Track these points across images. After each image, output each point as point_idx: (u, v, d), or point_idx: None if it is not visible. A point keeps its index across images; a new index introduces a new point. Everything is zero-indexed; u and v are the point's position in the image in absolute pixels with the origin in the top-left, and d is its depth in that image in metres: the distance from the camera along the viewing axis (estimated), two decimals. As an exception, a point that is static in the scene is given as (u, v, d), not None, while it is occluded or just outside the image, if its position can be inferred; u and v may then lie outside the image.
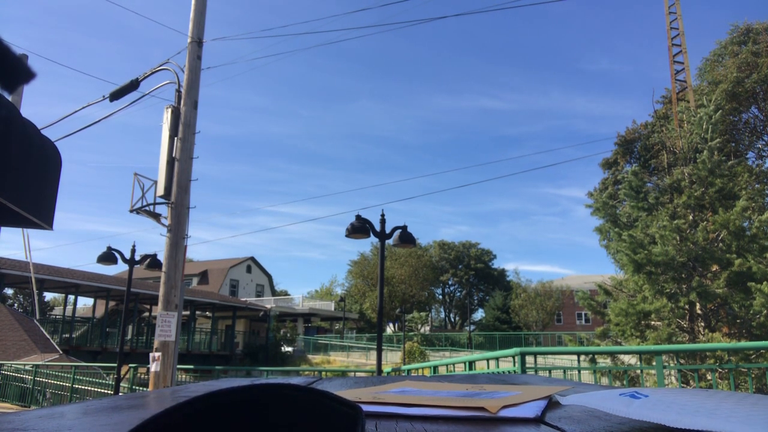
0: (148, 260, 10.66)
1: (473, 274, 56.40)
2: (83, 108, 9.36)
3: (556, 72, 78.61)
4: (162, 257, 8.74)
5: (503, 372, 6.63)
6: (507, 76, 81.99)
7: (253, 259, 50.45)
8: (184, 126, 8.68)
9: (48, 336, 22.87)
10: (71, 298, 32.02)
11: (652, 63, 71.20)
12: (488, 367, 7.47)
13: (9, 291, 46.96)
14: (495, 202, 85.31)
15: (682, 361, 9.28)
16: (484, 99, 79.73)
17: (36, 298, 30.75)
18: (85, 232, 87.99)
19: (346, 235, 7.93)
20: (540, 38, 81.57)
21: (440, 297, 58.54)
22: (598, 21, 75.75)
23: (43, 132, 2.18)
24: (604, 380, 7.73)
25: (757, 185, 20.64)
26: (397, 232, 8.12)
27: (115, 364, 12.20)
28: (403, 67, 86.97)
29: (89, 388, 14.51)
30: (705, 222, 11.98)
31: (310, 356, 37.26)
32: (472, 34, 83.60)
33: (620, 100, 73.87)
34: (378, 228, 8.00)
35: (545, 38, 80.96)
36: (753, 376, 5.84)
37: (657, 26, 72.26)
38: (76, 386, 14.55)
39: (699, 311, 11.82)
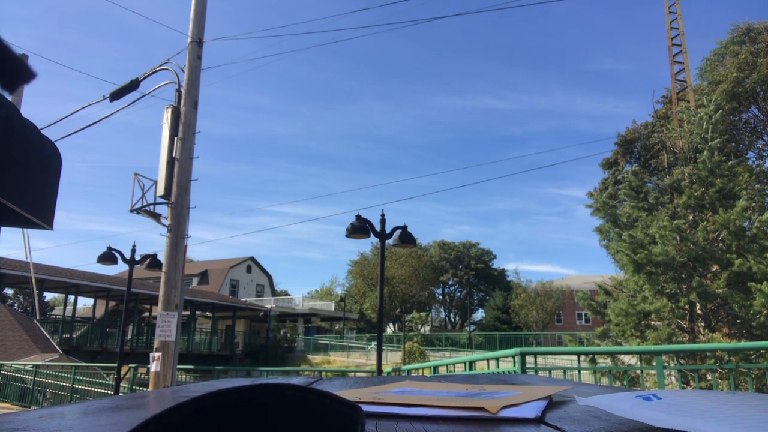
0: (148, 260, 10.67)
1: (473, 274, 56.40)
2: (83, 108, 9.38)
3: (559, 72, 78.68)
4: (162, 257, 8.74)
5: (503, 372, 6.63)
6: (510, 76, 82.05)
7: (253, 259, 50.47)
8: (184, 126, 8.68)
9: (48, 336, 22.88)
10: (71, 298, 32.03)
11: (654, 62, 71.34)
12: (488, 367, 7.48)
13: (9, 291, 46.98)
14: (497, 202, 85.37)
15: (682, 361, 9.28)
16: (487, 99, 79.79)
17: (36, 298, 30.78)
18: (85, 232, 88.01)
19: (347, 235, 7.94)
20: (543, 38, 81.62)
21: (440, 297, 58.56)
22: (601, 21, 75.84)
23: (43, 132, 2.18)
24: (604, 380, 7.73)
25: (757, 185, 20.63)
26: (397, 232, 8.13)
27: (115, 364, 12.20)
28: (405, 67, 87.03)
29: (89, 388, 14.51)
30: (705, 222, 11.98)
31: (310, 356, 37.28)
32: (475, 34, 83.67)
33: (623, 99, 73.89)
34: (378, 228, 8.01)
35: (548, 38, 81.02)
36: (753, 376, 5.84)
37: (659, 26, 72.25)
38: (76, 386, 14.55)
39: (699, 311, 11.82)
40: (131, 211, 8.89)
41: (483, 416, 0.69)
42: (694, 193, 12.22)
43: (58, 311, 40.05)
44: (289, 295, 56.59)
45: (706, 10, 64.11)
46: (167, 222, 8.55)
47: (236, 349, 38.15)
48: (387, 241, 8.15)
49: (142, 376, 14.25)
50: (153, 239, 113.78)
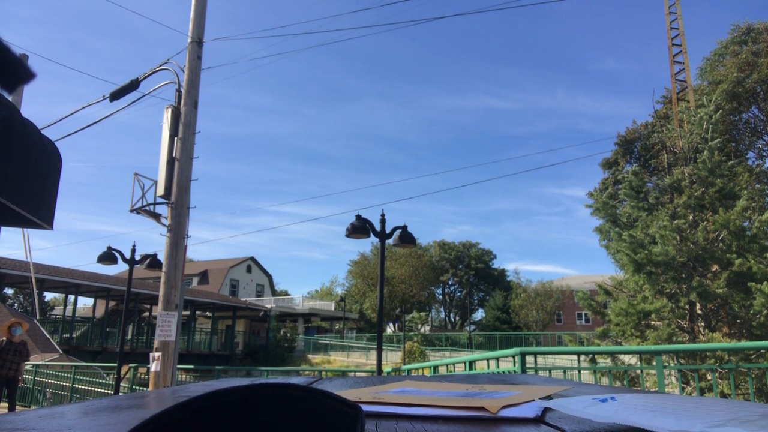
0: (148, 260, 10.66)
1: (473, 274, 56.39)
2: (83, 108, 9.37)
3: (561, 71, 78.64)
4: (162, 257, 8.74)
5: (503, 372, 6.63)
6: (511, 76, 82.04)
7: (253, 259, 50.48)
8: (184, 126, 8.68)
9: (48, 336, 22.87)
10: (71, 298, 32.03)
11: (656, 62, 71.35)
12: (488, 367, 7.47)
13: (9, 291, 46.97)
14: (498, 201, 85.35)
15: (682, 361, 9.28)
16: (489, 98, 79.76)
17: (36, 298, 30.74)
18: (85, 232, 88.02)
19: (347, 235, 7.94)
20: (545, 38, 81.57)
21: (440, 297, 58.56)
22: (603, 20, 75.82)
23: (43, 132, 2.18)
24: (605, 380, 7.72)
25: (757, 185, 20.63)
26: (397, 232, 8.12)
27: (115, 364, 12.20)
28: (407, 67, 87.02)
29: (89, 388, 14.50)
30: (705, 222, 11.98)
31: (310, 356, 37.27)
32: (477, 34, 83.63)
33: (625, 99, 73.85)
34: (378, 228, 8.00)
35: (550, 38, 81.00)
36: (753, 376, 5.84)
37: (659, 26, 72.24)
38: (76, 386, 14.54)
39: (699, 311, 11.82)
40: (131, 211, 8.89)
41: (483, 416, 0.69)
42: (694, 193, 12.21)
43: (58, 311, 40.05)
44: (289, 295, 56.59)
45: (706, 10, 64.15)
46: (167, 222, 8.54)
47: (236, 349, 38.15)
48: (387, 241, 8.15)
49: (142, 376, 14.24)
50: (153, 239, 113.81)
